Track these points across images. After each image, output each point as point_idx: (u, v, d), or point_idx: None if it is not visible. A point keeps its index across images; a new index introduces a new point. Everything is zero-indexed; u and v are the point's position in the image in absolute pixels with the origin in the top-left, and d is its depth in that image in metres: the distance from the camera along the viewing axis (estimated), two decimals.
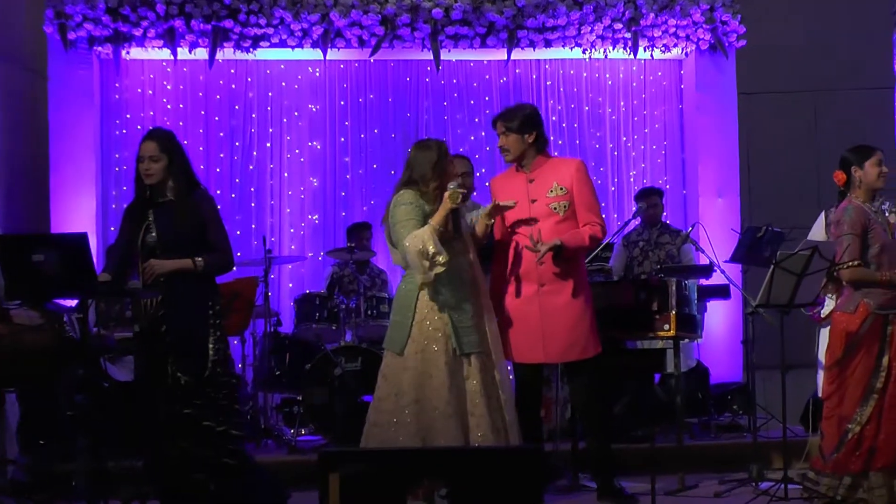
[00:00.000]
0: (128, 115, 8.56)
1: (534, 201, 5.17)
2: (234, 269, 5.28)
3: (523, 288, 5.15)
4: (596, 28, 8.28)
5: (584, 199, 5.18)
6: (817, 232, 5.88)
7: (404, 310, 4.90)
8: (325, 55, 8.27)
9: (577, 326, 5.15)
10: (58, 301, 5.82)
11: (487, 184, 5.57)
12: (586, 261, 5.48)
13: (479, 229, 5.11)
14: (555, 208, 5.15)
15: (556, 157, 5.43)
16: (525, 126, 5.18)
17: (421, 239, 4.73)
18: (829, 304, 5.61)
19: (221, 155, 8.70)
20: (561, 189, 5.16)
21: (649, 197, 7.66)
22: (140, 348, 5.01)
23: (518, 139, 5.18)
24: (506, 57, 8.41)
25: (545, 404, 6.01)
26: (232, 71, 8.70)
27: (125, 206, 5.17)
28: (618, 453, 5.42)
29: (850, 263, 5.01)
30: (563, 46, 8.42)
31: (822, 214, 5.90)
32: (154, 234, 4.93)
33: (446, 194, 4.82)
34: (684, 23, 8.30)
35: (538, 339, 5.13)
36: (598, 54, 8.53)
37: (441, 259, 4.72)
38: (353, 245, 7.48)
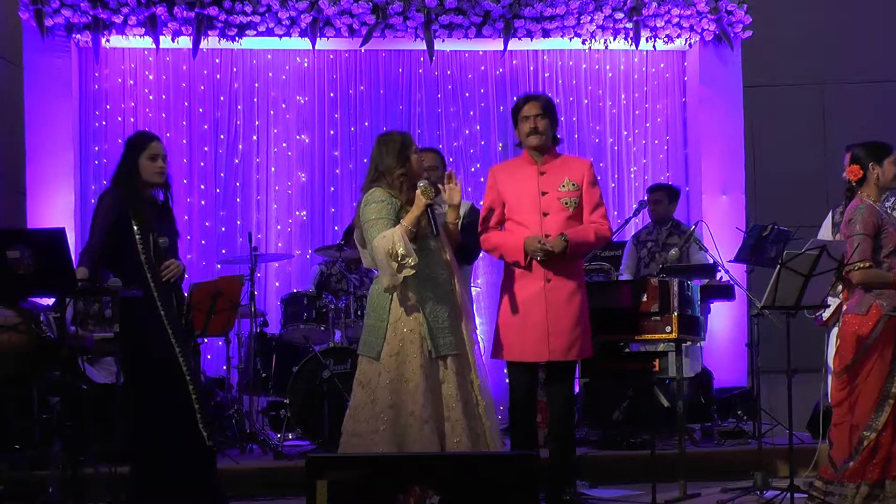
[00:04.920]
0: (108, 106, 8.50)
1: (545, 193, 5.25)
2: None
3: (529, 283, 5.19)
4: (596, 17, 8.25)
5: (594, 198, 5.31)
6: (824, 233, 5.90)
7: (379, 311, 4.82)
8: (313, 45, 8.22)
9: (578, 325, 5.20)
10: (34, 300, 5.84)
11: (483, 178, 5.68)
12: (585, 259, 5.40)
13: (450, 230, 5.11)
14: (566, 203, 5.24)
15: (566, 155, 5.60)
16: (554, 115, 5.38)
17: (391, 240, 4.64)
18: (832, 307, 5.58)
19: (206, 148, 8.64)
20: (573, 185, 5.27)
21: (654, 192, 7.66)
22: (179, 349, 5.00)
23: (549, 126, 5.32)
24: (502, 47, 8.39)
25: (541, 409, 6.00)
26: (217, 60, 8.64)
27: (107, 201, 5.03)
28: (617, 460, 5.52)
29: (861, 265, 4.94)
30: (561, 37, 8.40)
31: (830, 214, 5.92)
32: (164, 237, 4.96)
33: (418, 191, 4.75)
34: (688, 12, 8.29)
35: (543, 335, 5.14)
36: (598, 45, 8.49)
37: (410, 262, 4.63)
38: (342, 242, 7.38)
